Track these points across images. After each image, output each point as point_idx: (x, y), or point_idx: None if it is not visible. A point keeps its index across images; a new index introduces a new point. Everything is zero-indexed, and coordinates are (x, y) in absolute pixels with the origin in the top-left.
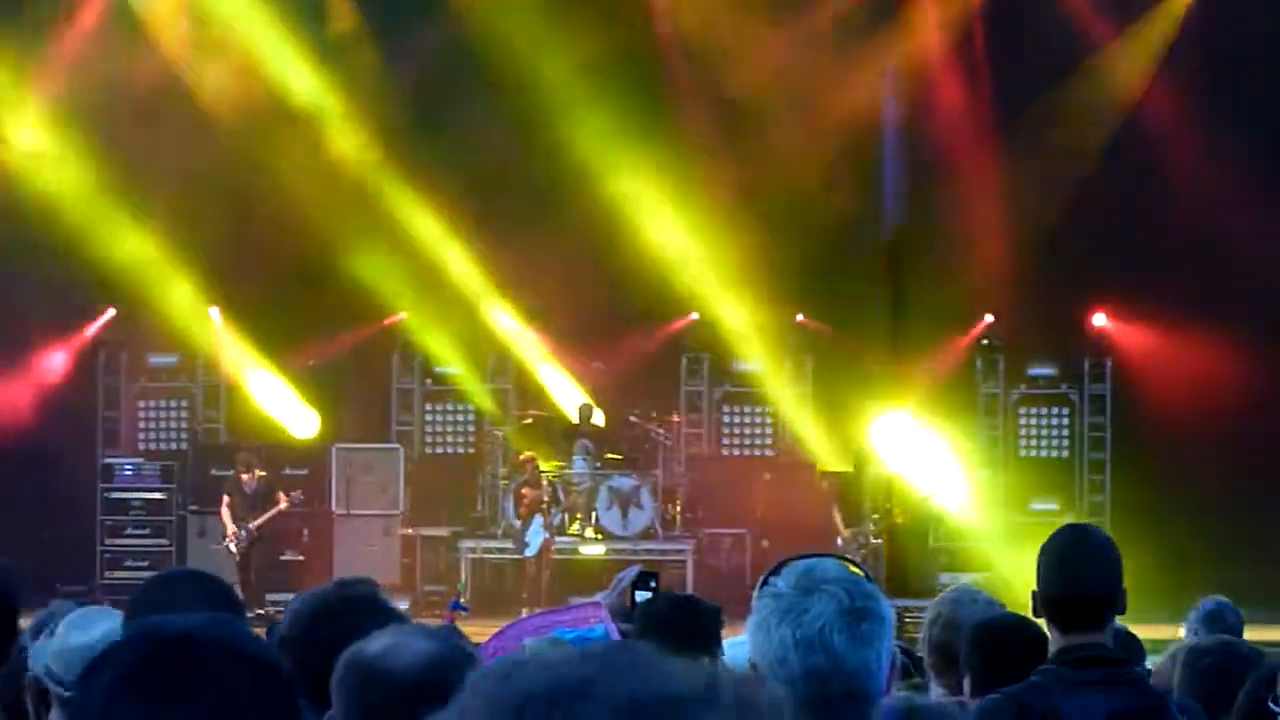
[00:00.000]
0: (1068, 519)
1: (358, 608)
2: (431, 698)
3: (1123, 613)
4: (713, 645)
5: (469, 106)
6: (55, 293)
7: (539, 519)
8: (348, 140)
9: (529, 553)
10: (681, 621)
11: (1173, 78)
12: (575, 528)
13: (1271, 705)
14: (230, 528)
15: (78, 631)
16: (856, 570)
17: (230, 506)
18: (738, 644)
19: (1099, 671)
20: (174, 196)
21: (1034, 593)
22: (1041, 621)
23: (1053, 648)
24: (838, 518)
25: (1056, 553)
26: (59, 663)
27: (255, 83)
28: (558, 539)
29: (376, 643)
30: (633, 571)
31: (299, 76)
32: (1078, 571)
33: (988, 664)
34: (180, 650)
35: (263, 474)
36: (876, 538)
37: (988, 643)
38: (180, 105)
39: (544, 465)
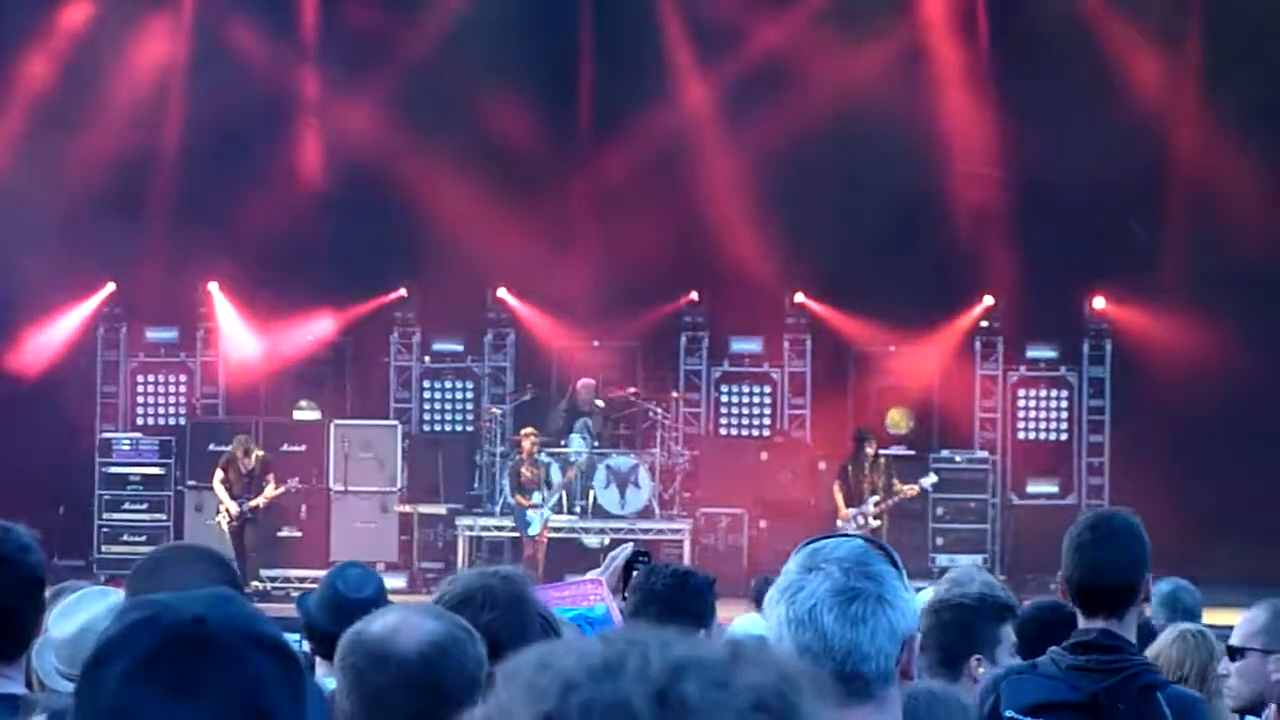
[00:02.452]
0: (1069, 502)
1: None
2: (434, 677)
3: (1144, 601)
4: (707, 617)
5: (471, 80)
6: (54, 266)
7: (538, 497)
8: (353, 113)
9: (531, 531)
10: (676, 595)
11: (1178, 62)
12: (573, 507)
13: None
14: (228, 504)
15: (62, 621)
16: (879, 552)
17: (226, 484)
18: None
19: (1084, 658)
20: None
21: (1060, 577)
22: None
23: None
24: (838, 498)
25: (1076, 541)
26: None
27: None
28: (555, 517)
29: (381, 622)
30: (626, 549)
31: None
32: (1093, 558)
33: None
34: (194, 635)
35: (261, 453)
36: (876, 519)
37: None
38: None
39: (539, 443)
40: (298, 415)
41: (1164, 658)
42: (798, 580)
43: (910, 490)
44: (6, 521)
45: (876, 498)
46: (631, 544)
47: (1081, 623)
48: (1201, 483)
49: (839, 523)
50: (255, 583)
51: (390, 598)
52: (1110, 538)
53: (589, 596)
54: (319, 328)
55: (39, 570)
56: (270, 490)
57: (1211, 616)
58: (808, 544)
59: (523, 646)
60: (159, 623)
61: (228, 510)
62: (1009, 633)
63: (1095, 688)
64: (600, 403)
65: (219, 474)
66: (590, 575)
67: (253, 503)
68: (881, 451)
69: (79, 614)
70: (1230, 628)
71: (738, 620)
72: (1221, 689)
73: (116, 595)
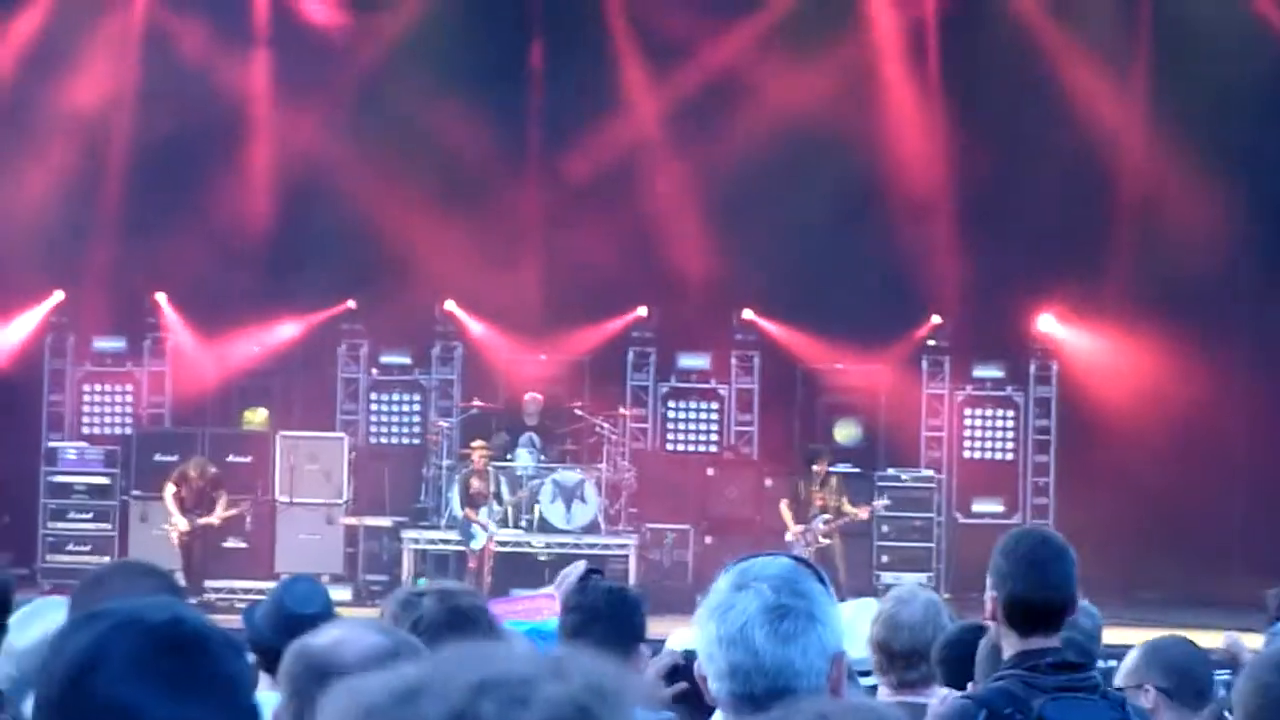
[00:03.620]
0: (1014, 521)
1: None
2: None
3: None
4: (641, 634)
5: (421, 92)
6: (2, 274)
7: (484, 511)
8: (302, 124)
9: (475, 545)
10: (614, 610)
11: (1123, 79)
12: (519, 521)
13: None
14: (178, 520)
15: (20, 631)
16: (808, 570)
17: (179, 498)
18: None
19: (1066, 677)
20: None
21: (992, 596)
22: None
23: (1008, 651)
24: (786, 515)
25: (1025, 556)
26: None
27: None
28: (500, 532)
29: (325, 635)
30: (579, 566)
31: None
32: (1045, 575)
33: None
34: (178, 635)
35: (214, 470)
36: (825, 537)
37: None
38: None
39: (489, 456)
40: (248, 418)
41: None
42: (728, 599)
43: (860, 513)
44: None
45: (827, 516)
46: (584, 561)
47: (1014, 642)
48: (1145, 503)
49: (786, 539)
50: (200, 595)
51: (336, 611)
52: (1060, 555)
53: (541, 611)
54: (266, 339)
55: (6, 586)
56: (222, 510)
57: (1150, 636)
58: (736, 563)
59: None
60: (140, 625)
61: (177, 526)
62: None
63: (1115, 703)
64: (545, 417)
65: (170, 488)
66: (543, 591)
67: (204, 521)
68: (830, 470)
69: (36, 623)
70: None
71: (674, 635)
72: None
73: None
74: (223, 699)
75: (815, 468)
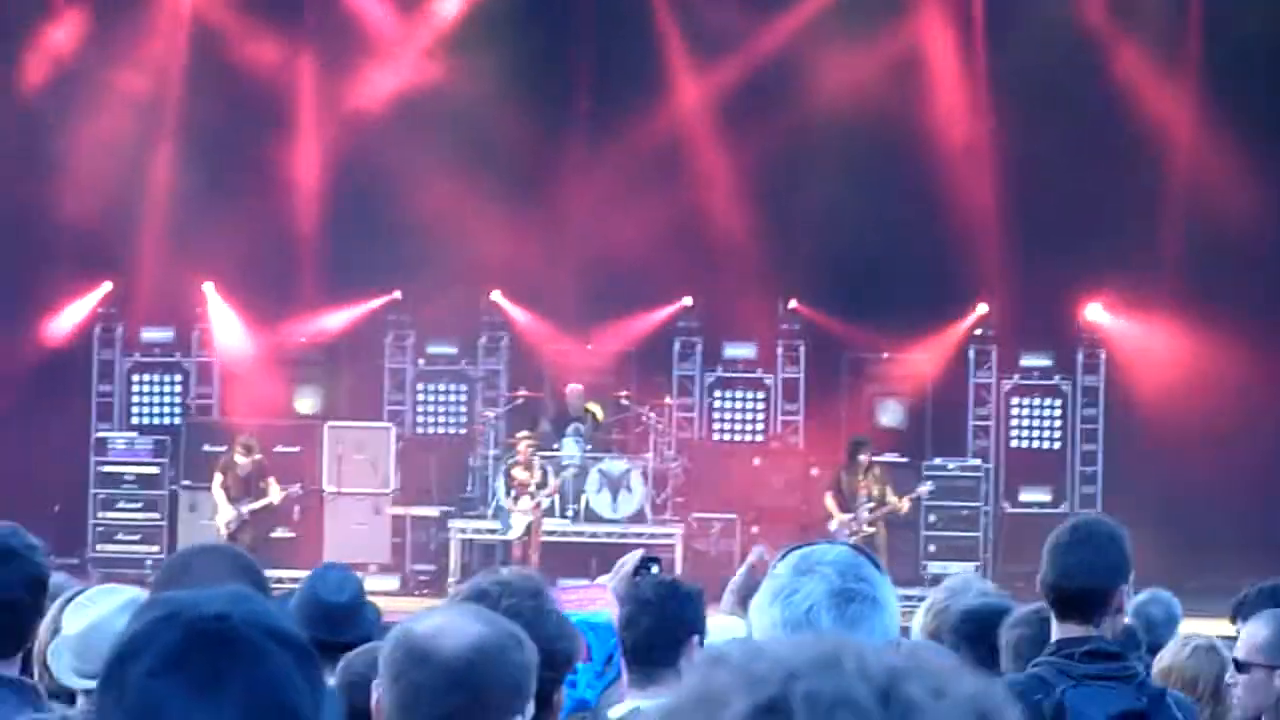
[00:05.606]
0: (1061, 511)
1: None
2: (474, 681)
3: (1118, 612)
4: (698, 626)
5: (468, 82)
6: (52, 265)
7: (526, 501)
8: (349, 114)
9: (511, 535)
10: (666, 603)
11: (1174, 66)
12: (565, 511)
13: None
14: (226, 510)
15: (74, 618)
16: (864, 556)
17: (225, 487)
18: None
19: (1101, 666)
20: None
21: (1038, 579)
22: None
23: (1052, 638)
24: (831, 505)
25: (1054, 543)
26: (66, 649)
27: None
28: (546, 520)
29: (428, 621)
30: (635, 556)
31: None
32: (1068, 563)
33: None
34: (217, 631)
35: (259, 457)
36: (870, 525)
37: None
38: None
39: (534, 447)
40: (297, 406)
41: (1176, 671)
42: (791, 583)
43: (902, 506)
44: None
45: (871, 505)
46: (641, 550)
47: (1056, 629)
48: (1193, 492)
49: (831, 528)
50: None
51: (379, 600)
52: (1086, 541)
53: (594, 601)
54: (314, 329)
55: (43, 570)
56: (274, 493)
57: (1199, 628)
58: (794, 549)
59: (541, 634)
60: (181, 619)
61: (236, 516)
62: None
63: (1151, 694)
64: (597, 409)
65: (218, 477)
66: (598, 581)
67: (252, 506)
68: (875, 459)
69: (90, 610)
70: (1231, 639)
71: (712, 623)
72: (1231, 701)
73: (127, 592)
74: (255, 701)
75: (860, 457)
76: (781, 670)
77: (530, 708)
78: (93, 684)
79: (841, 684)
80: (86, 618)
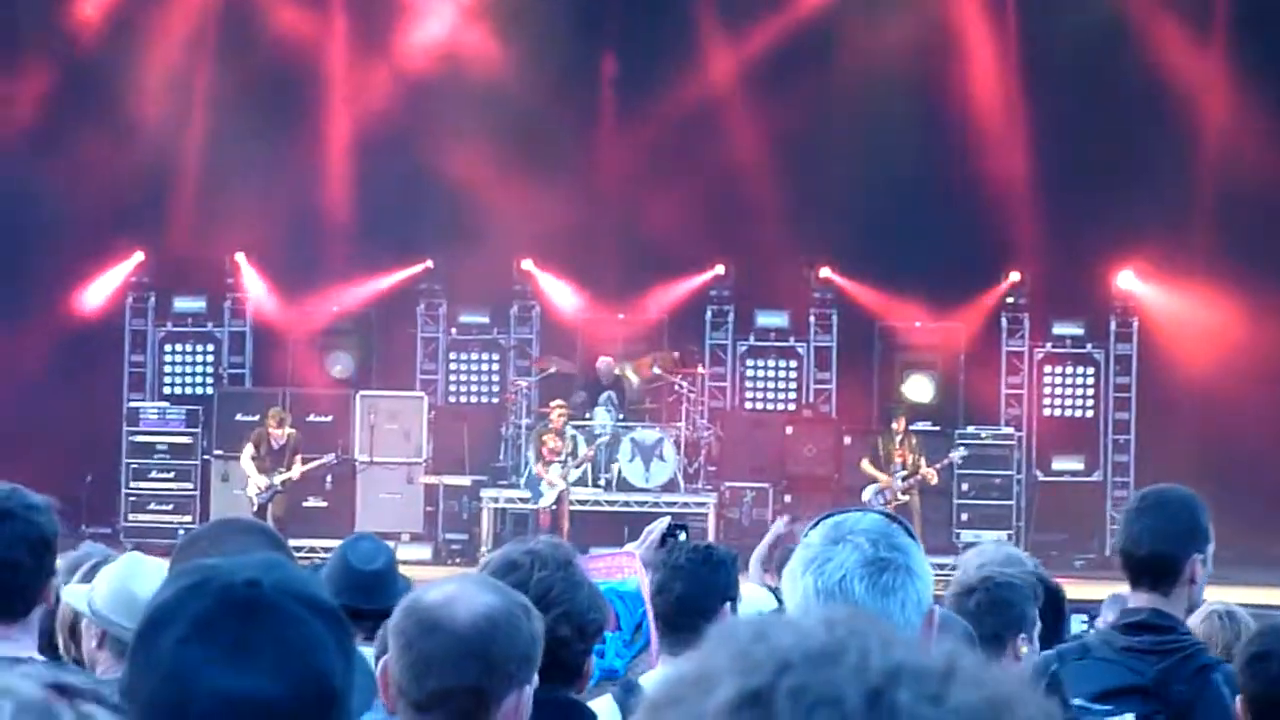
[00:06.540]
0: (1095, 479)
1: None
2: (484, 650)
3: (1191, 583)
4: (731, 593)
5: (498, 51)
6: (83, 234)
7: (556, 469)
8: (380, 83)
9: (542, 503)
10: (699, 570)
11: (1204, 33)
12: (597, 479)
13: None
14: (257, 480)
15: (139, 580)
16: (897, 525)
17: (256, 459)
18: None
19: (1142, 638)
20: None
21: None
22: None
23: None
24: (870, 470)
25: (1126, 509)
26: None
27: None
28: (578, 490)
29: (439, 591)
30: (663, 522)
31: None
32: (1136, 529)
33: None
34: (249, 598)
35: (292, 430)
36: (904, 494)
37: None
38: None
39: (567, 416)
40: (330, 375)
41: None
42: (824, 552)
43: (930, 476)
44: (17, 484)
45: (904, 472)
46: (669, 517)
47: (1130, 599)
48: (1226, 460)
49: (864, 497)
50: None
51: (412, 569)
52: (1156, 508)
53: (622, 569)
54: (346, 298)
55: (46, 531)
56: (295, 469)
57: (1231, 595)
58: (826, 517)
59: (573, 606)
60: (212, 586)
61: (266, 488)
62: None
63: (1154, 669)
64: (633, 375)
65: (250, 449)
66: (626, 548)
67: (282, 477)
68: (910, 427)
69: (122, 569)
70: (1262, 607)
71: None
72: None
73: (155, 562)
74: (287, 667)
75: (894, 425)
76: (776, 659)
77: (535, 677)
78: (117, 623)
79: (832, 681)
80: (120, 574)
